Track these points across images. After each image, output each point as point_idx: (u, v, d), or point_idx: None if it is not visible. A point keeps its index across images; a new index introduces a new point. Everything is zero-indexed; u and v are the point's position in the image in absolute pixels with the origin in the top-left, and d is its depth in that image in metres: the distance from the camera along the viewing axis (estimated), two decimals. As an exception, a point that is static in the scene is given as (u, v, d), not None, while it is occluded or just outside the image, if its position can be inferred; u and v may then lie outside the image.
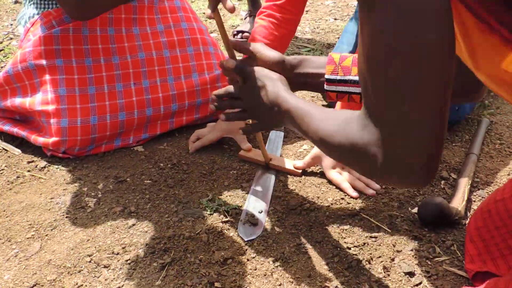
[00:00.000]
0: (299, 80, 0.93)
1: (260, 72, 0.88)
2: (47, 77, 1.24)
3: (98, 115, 1.24)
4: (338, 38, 2.17)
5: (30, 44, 1.26)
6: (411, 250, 0.96)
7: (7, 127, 1.30)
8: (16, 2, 2.80)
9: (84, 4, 1.13)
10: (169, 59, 1.37)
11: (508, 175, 1.20)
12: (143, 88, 1.32)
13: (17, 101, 1.27)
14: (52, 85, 1.23)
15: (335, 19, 2.53)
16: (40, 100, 1.23)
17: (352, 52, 1.48)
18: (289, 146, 1.34)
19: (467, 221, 1.05)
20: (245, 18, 2.34)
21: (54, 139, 1.20)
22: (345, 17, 2.55)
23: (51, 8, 1.31)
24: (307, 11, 2.66)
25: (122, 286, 0.88)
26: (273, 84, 0.85)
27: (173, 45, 1.39)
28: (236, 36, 2.21)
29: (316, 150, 1.19)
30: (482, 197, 1.12)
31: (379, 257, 0.94)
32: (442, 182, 1.17)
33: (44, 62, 1.25)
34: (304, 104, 0.78)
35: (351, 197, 1.11)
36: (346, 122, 0.65)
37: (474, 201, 1.11)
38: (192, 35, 1.44)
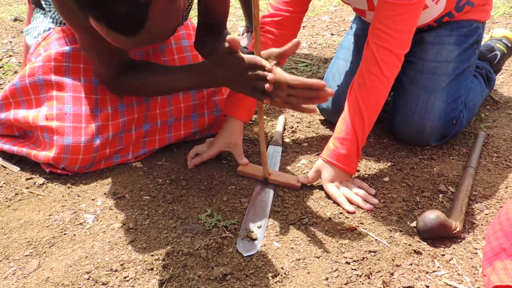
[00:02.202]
0: None
1: None
2: (54, 93, 1.25)
3: (101, 134, 1.24)
4: (335, 53, 2.19)
5: (40, 59, 1.26)
6: (411, 264, 0.96)
7: (7, 147, 1.30)
8: (15, 20, 2.83)
9: (121, 91, 1.23)
10: None
11: (506, 188, 1.20)
12: (144, 104, 1.33)
13: (21, 114, 1.27)
14: (58, 101, 1.23)
15: (332, 34, 2.56)
16: (45, 115, 1.23)
17: (350, 68, 1.49)
18: (288, 161, 1.34)
19: (466, 234, 1.05)
20: (242, 34, 2.36)
21: (55, 154, 1.20)
22: (341, 32, 2.57)
23: (65, 24, 1.32)
24: (304, 26, 2.69)
25: (121, 303, 0.88)
26: None
27: (173, 63, 1.40)
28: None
29: (318, 164, 1.20)
30: (481, 210, 1.12)
31: (378, 271, 0.94)
32: (440, 195, 1.18)
33: (52, 77, 1.25)
34: None
35: (347, 211, 1.11)
36: None
37: (473, 214, 1.11)
38: (192, 52, 1.44)
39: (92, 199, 1.16)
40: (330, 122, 1.54)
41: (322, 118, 1.59)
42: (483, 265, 0.90)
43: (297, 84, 0.98)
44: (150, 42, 0.89)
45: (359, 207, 1.13)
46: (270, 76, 0.98)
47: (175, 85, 1.18)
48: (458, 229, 1.02)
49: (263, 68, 1.01)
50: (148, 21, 0.83)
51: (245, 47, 2.15)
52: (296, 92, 1.00)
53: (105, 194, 1.18)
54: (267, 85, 0.99)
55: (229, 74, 1.06)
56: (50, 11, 1.32)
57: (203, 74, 1.12)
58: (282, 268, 0.95)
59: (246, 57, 1.03)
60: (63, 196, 1.18)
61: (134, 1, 0.79)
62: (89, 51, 1.16)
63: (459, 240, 1.03)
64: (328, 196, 1.17)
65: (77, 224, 1.08)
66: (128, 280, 0.92)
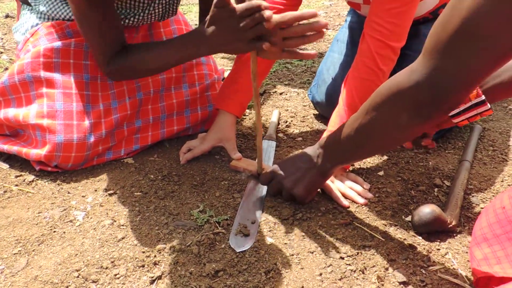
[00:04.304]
0: None
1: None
2: (44, 90, 1.22)
3: (94, 132, 1.22)
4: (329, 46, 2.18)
5: (29, 55, 1.23)
6: (405, 259, 0.95)
7: None
8: (7, 17, 2.80)
9: (117, 71, 1.15)
10: None
11: (502, 181, 1.19)
12: (137, 100, 1.31)
13: (11, 113, 1.24)
14: (48, 99, 1.21)
15: (327, 29, 2.54)
16: (35, 113, 1.20)
17: (344, 61, 1.47)
18: (282, 156, 1.32)
19: (461, 228, 1.03)
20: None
21: (47, 152, 1.18)
22: (336, 26, 2.56)
23: (53, 19, 1.29)
24: (298, 21, 2.67)
25: (111, 301, 0.86)
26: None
27: None
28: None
29: None
30: (476, 204, 1.11)
31: (373, 266, 0.92)
32: (436, 189, 1.16)
33: (42, 74, 1.22)
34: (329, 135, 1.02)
35: (342, 206, 1.09)
36: (387, 83, 0.84)
37: (468, 208, 1.10)
38: None
39: (83, 196, 1.14)
40: (324, 116, 1.52)
41: (316, 112, 1.57)
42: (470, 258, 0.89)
43: (288, 19, 0.96)
44: None
45: (353, 201, 1.11)
46: (267, 13, 0.95)
47: (173, 57, 1.10)
48: (453, 223, 1.01)
49: (258, 8, 0.96)
50: None
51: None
52: (289, 32, 0.97)
53: (95, 190, 1.16)
54: (266, 24, 0.96)
55: (225, 31, 1.00)
56: (36, 5, 1.30)
57: (199, 39, 1.04)
58: (275, 264, 0.93)
59: (238, 6, 0.98)
60: (53, 193, 1.16)
61: None
62: (84, 24, 1.09)
63: (454, 234, 1.02)
64: (322, 191, 1.15)
65: (67, 222, 1.06)
66: (118, 278, 0.91)
